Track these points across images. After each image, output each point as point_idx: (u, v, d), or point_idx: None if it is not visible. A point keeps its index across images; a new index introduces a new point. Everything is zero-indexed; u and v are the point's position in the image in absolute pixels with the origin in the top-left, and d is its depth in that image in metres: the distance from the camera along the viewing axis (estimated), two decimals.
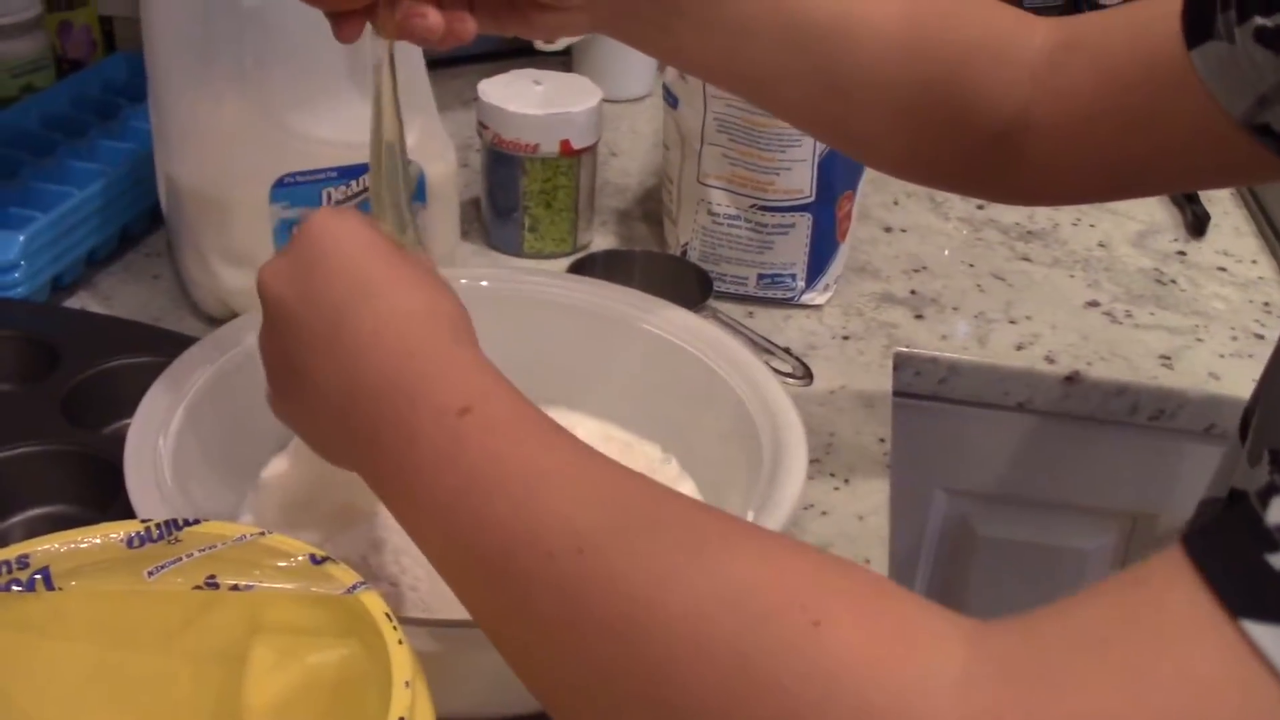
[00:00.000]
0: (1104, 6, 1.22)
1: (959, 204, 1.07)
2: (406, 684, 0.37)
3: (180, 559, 0.40)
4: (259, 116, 0.75)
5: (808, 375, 0.82)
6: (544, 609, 0.38)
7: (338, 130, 0.77)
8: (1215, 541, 0.32)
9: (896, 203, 1.07)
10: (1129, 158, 0.58)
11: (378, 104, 0.56)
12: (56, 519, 0.64)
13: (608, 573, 0.37)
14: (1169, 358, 0.89)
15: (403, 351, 0.45)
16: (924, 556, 0.98)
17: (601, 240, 0.96)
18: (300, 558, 0.41)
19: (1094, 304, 0.95)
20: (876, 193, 1.06)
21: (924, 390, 0.88)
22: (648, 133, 1.15)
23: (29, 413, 0.67)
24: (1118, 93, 0.57)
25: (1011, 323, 0.92)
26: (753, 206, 0.86)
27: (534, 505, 0.40)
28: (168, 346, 0.67)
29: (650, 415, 0.68)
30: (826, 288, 0.90)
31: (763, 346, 0.84)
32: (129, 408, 0.57)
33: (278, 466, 0.64)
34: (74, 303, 0.83)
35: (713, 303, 0.83)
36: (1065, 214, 1.07)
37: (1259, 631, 0.29)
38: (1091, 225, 1.06)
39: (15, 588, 0.39)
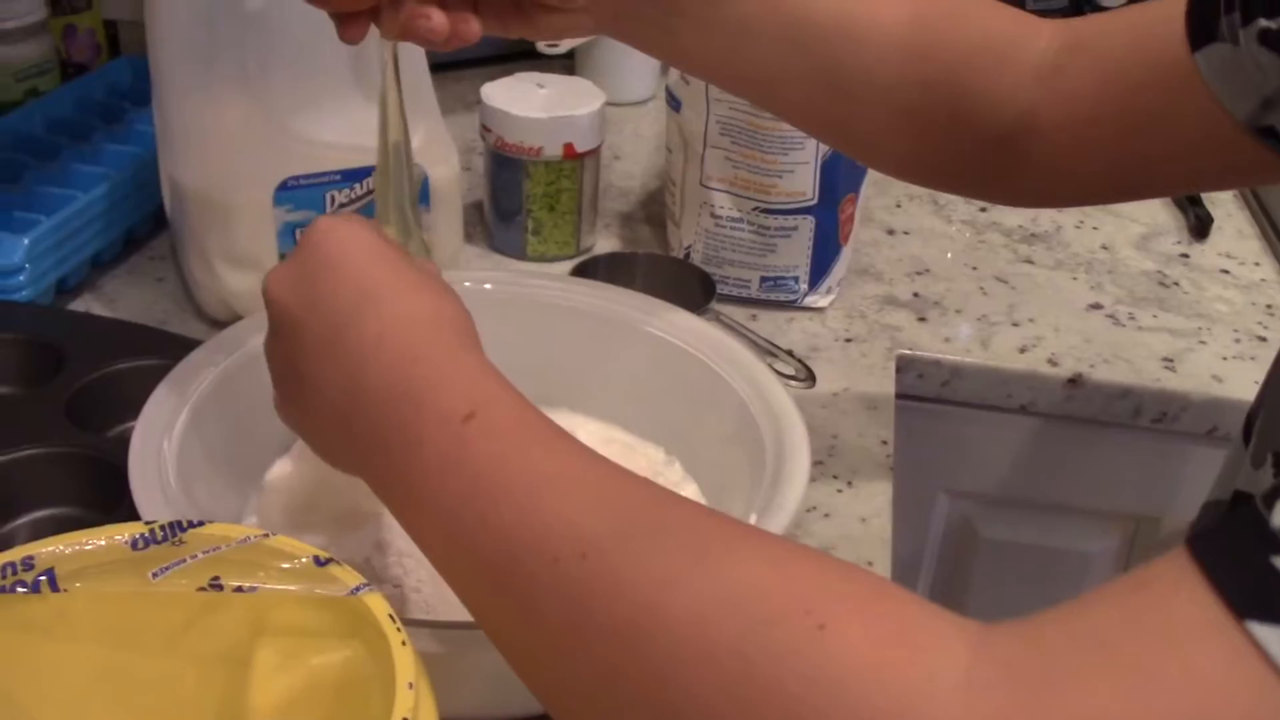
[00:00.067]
0: (1106, 8, 1.22)
1: (962, 206, 1.07)
2: (410, 685, 0.37)
3: (184, 561, 0.40)
4: (262, 120, 0.75)
5: (810, 378, 0.82)
6: (548, 613, 0.38)
7: (341, 133, 0.77)
8: (1221, 544, 0.32)
9: (899, 205, 1.07)
10: (1132, 160, 0.58)
11: (383, 106, 0.56)
12: (61, 521, 0.64)
13: (612, 577, 0.37)
14: (1172, 360, 0.89)
15: (407, 357, 0.45)
16: (927, 559, 0.98)
17: (605, 243, 0.96)
18: (304, 559, 0.41)
19: (1097, 306, 0.95)
20: (879, 195, 1.06)
21: (927, 393, 0.88)
22: (650, 136, 1.15)
23: (34, 415, 0.67)
24: (1121, 95, 0.57)
25: (1014, 325, 0.92)
26: (755, 209, 0.86)
27: (538, 510, 0.40)
28: (172, 349, 0.67)
29: (653, 418, 0.68)
30: (829, 290, 0.90)
31: (765, 349, 0.84)
32: (133, 410, 0.57)
33: (282, 469, 0.64)
34: (78, 305, 0.83)
35: (715, 305, 0.83)
36: (1068, 216, 1.07)
37: (1265, 633, 0.29)
38: (1094, 228, 1.06)
39: (20, 589, 0.39)
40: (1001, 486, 0.93)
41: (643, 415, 0.68)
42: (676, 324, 0.67)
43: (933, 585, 0.99)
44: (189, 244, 0.79)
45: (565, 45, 1.14)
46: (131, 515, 0.51)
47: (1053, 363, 0.88)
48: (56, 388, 0.69)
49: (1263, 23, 0.49)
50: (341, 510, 0.60)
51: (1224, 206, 1.10)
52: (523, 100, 0.89)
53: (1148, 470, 0.91)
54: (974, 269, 0.99)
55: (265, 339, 0.51)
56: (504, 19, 0.57)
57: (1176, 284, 0.99)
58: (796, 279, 0.88)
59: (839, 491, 0.73)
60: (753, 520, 0.54)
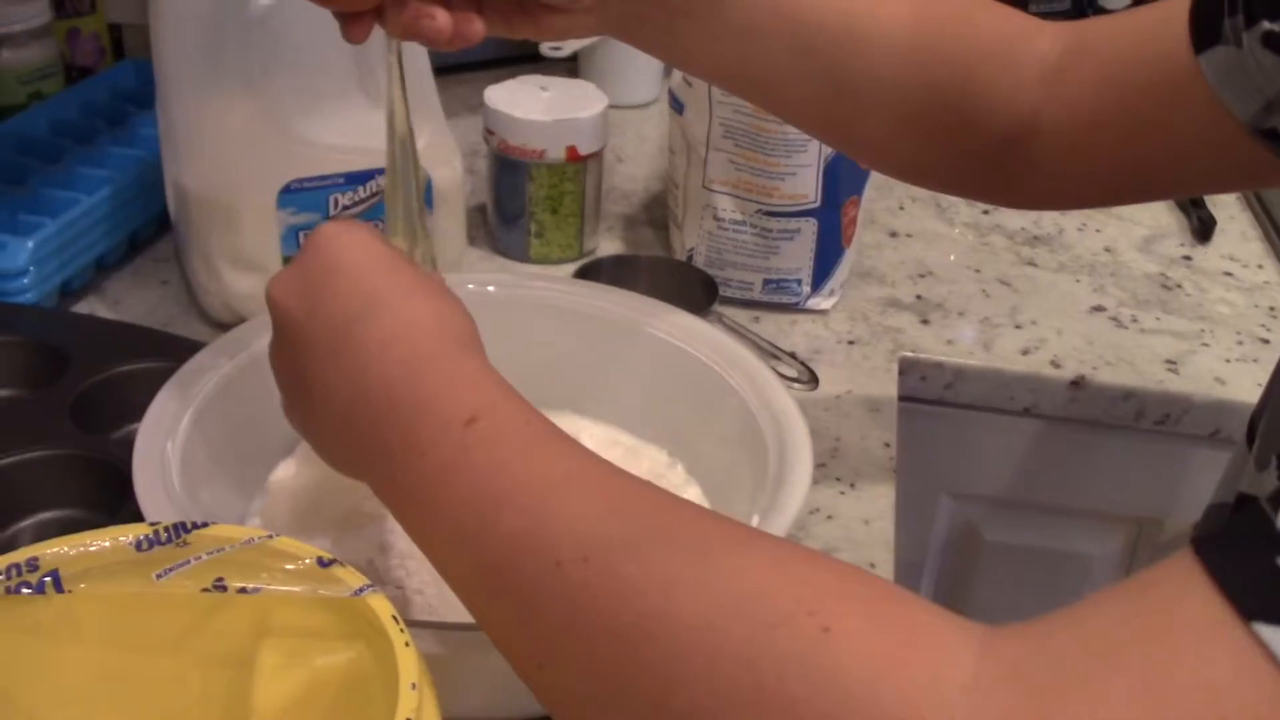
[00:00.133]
0: (1109, 11, 1.22)
1: (964, 209, 1.07)
2: (413, 686, 0.37)
3: (188, 562, 0.41)
4: (266, 123, 0.75)
5: (813, 380, 0.82)
6: (551, 617, 0.38)
7: (345, 136, 0.77)
8: (1227, 546, 0.32)
9: (902, 208, 1.07)
10: (1136, 162, 0.58)
11: (390, 106, 0.57)
12: (65, 523, 0.64)
13: (615, 581, 0.37)
14: (1175, 362, 0.89)
15: (410, 362, 0.45)
16: (929, 561, 0.98)
17: (608, 246, 0.96)
18: (308, 560, 0.41)
19: (1100, 309, 0.95)
20: (882, 198, 1.06)
21: (929, 395, 0.88)
22: (654, 138, 1.15)
23: (38, 417, 0.67)
24: (1124, 97, 0.57)
25: (1017, 328, 0.92)
26: (758, 212, 0.86)
27: (541, 514, 0.40)
28: (176, 351, 0.67)
29: (656, 420, 0.68)
30: (832, 293, 0.90)
31: (768, 351, 0.84)
32: (137, 412, 0.57)
33: (285, 470, 0.64)
34: (83, 308, 0.83)
35: (718, 308, 0.83)
36: (1071, 219, 1.07)
37: (1272, 635, 0.29)
38: (1097, 230, 1.06)
39: (25, 590, 0.39)
40: (1004, 489, 0.93)
41: (645, 418, 0.68)
42: (679, 326, 0.67)
43: (935, 587, 0.99)
44: (193, 247, 0.80)
45: (569, 48, 1.14)
46: (136, 517, 0.51)
47: (1055, 365, 0.88)
48: (61, 390, 0.69)
49: (1266, 25, 0.49)
50: (345, 512, 0.60)
51: (1227, 209, 1.10)
52: (526, 103, 0.89)
53: (1150, 472, 0.91)
54: (977, 271, 0.99)
55: (269, 344, 0.52)
56: (508, 19, 0.57)
57: (1179, 286, 0.99)
58: (799, 281, 0.88)
59: (841, 494, 0.73)
60: (755, 522, 0.54)
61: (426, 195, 0.81)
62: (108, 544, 0.41)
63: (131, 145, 0.90)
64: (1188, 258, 1.04)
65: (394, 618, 0.40)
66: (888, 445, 0.77)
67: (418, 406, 0.44)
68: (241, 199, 0.77)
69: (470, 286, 0.70)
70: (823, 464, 0.74)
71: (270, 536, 0.42)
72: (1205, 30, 0.53)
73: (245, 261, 0.78)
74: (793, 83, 0.59)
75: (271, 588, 0.41)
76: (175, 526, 0.42)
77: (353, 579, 0.41)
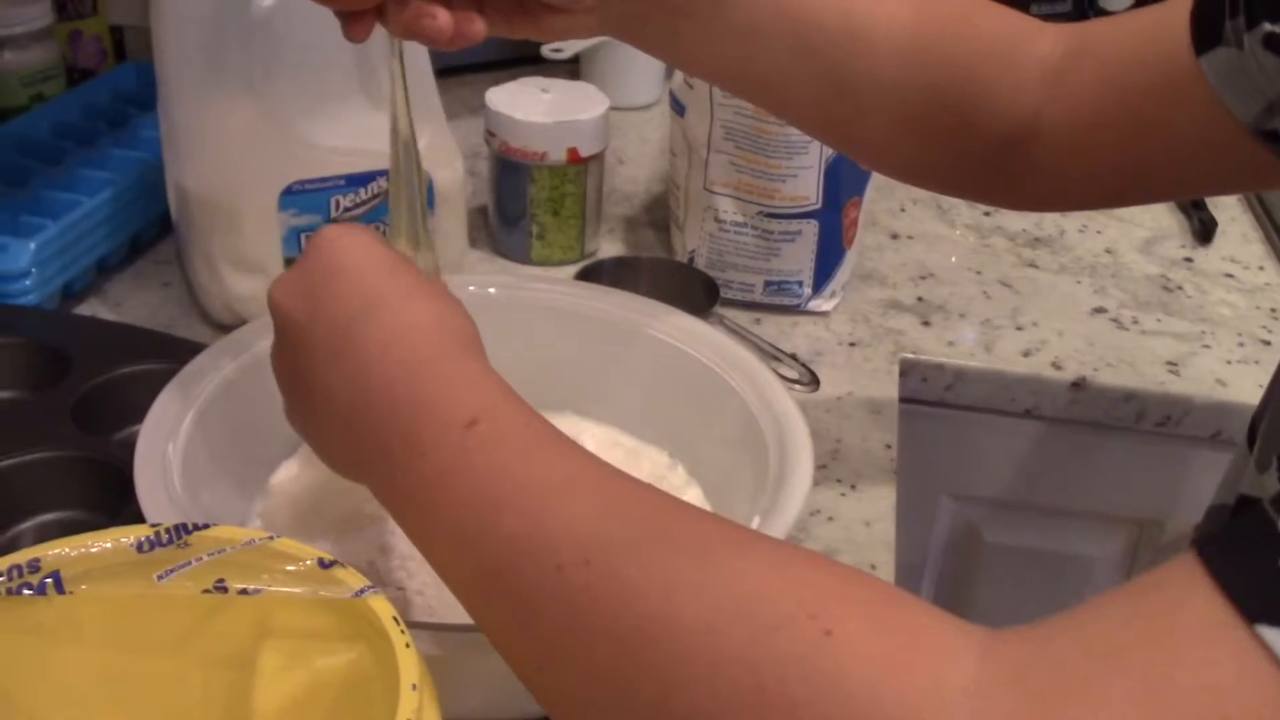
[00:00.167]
0: (1110, 12, 1.22)
1: (966, 211, 1.07)
2: (414, 687, 0.37)
3: (189, 563, 0.41)
4: (268, 124, 0.75)
5: (814, 382, 0.82)
6: (551, 620, 0.38)
7: (346, 138, 0.77)
8: (1230, 548, 0.32)
9: (903, 210, 1.07)
10: (1137, 164, 0.58)
11: (393, 110, 0.57)
12: (67, 524, 0.64)
13: (616, 584, 0.37)
14: (1176, 364, 0.89)
15: (410, 364, 0.45)
16: (930, 563, 0.98)
17: (609, 247, 0.96)
18: (308, 562, 0.41)
19: (1101, 310, 0.95)
20: (883, 200, 1.06)
21: (930, 397, 0.88)
22: (655, 140, 1.15)
23: (40, 419, 0.67)
24: (1125, 99, 0.57)
25: (1018, 329, 0.92)
26: (759, 214, 0.86)
27: (542, 517, 0.40)
28: (177, 353, 0.67)
29: (657, 421, 0.68)
30: (833, 294, 0.90)
31: (769, 353, 0.84)
32: (139, 414, 0.58)
33: (287, 472, 0.64)
34: (84, 310, 0.83)
35: (720, 309, 0.83)
36: (1072, 221, 1.07)
37: (1276, 637, 0.29)
38: (1098, 232, 1.06)
39: (26, 591, 0.39)
40: (1005, 490, 0.93)
41: (647, 419, 0.68)
42: (680, 328, 0.68)
43: (936, 589, 0.99)
44: (194, 248, 0.80)
45: (570, 50, 1.14)
46: (137, 518, 0.51)
47: (1056, 366, 0.88)
48: (62, 392, 0.69)
49: (1267, 27, 0.49)
50: (346, 513, 0.61)
51: (1228, 210, 1.10)
52: (527, 105, 0.89)
53: (1151, 474, 0.91)
54: (978, 273, 0.99)
55: (271, 347, 0.52)
56: (509, 19, 0.57)
57: (1180, 288, 0.99)
58: (800, 283, 0.88)
59: (842, 495, 0.73)
60: (756, 523, 0.54)
61: (428, 197, 0.81)
62: (109, 545, 0.41)
63: (133, 147, 0.90)
64: (1189, 259, 1.04)
65: (395, 619, 0.40)
66: (889, 447, 0.77)
67: (418, 408, 0.44)
68: (243, 201, 0.77)
69: (471, 288, 0.70)
70: (823, 465, 0.74)
71: (271, 538, 0.42)
72: (1206, 32, 0.53)
73: (247, 263, 0.78)
74: (793, 83, 0.59)
75: (272, 589, 0.41)
76: (176, 528, 0.42)
77: (353, 580, 0.41)
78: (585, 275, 0.83)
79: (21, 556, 0.40)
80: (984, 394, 0.88)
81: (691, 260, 0.89)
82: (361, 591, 0.41)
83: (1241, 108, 0.53)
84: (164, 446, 0.55)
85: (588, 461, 0.42)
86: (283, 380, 0.51)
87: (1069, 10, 1.25)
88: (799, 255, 0.87)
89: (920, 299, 0.94)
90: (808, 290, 0.89)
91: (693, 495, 0.65)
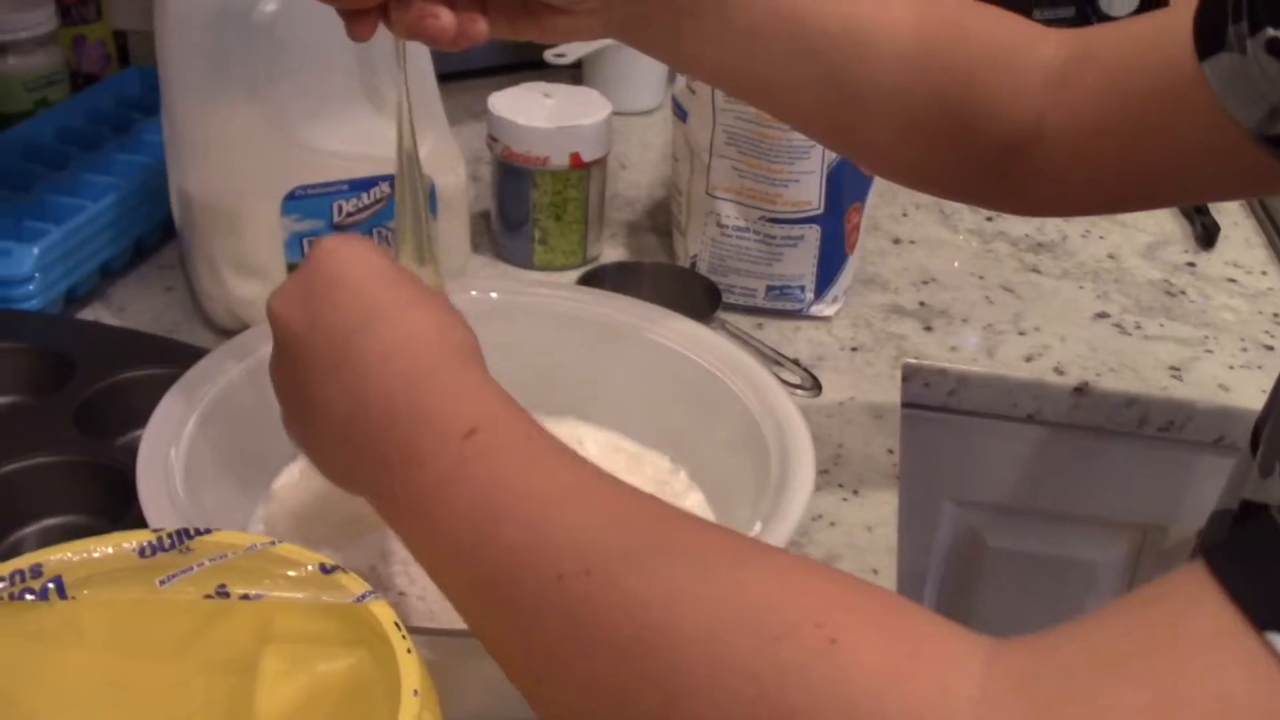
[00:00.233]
0: (1113, 18, 1.22)
1: (968, 216, 1.07)
2: (415, 692, 0.37)
3: (191, 568, 0.41)
4: (271, 129, 0.75)
5: (816, 387, 0.82)
6: (552, 631, 0.38)
7: (349, 143, 0.77)
8: (1238, 555, 0.31)
9: (905, 215, 1.07)
10: (1140, 169, 0.58)
11: (399, 123, 0.57)
12: (69, 529, 0.64)
13: (617, 594, 0.37)
14: (1178, 369, 0.89)
15: (410, 374, 0.45)
16: (933, 568, 0.98)
17: (611, 252, 0.96)
18: (310, 567, 0.41)
19: (1103, 315, 0.95)
20: (885, 205, 1.06)
21: (933, 402, 0.88)
22: (657, 145, 1.15)
23: (43, 424, 0.68)
24: (1128, 104, 0.57)
25: (1020, 334, 0.92)
26: (761, 219, 0.86)
27: (542, 527, 0.39)
28: (180, 358, 0.67)
29: (659, 426, 0.68)
30: (835, 299, 0.90)
31: (771, 358, 0.84)
32: (142, 419, 0.58)
33: (289, 477, 0.64)
34: (87, 315, 0.84)
35: (722, 314, 0.83)
36: (1074, 226, 1.07)
37: None
38: (1101, 237, 1.06)
39: (28, 596, 0.39)
40: (1008, 495, 0.93)
41: (649, 424, 0.68)
42: (682, 333, 0.68)
43: (939, 594, 0.99)
44: (197, 253, 0.80)
45: (572, 55, 1.14)
46: (139, 523, 0.51)
47: (1059, 372, 0.88)
48: (65, 396, 0.69)
49: (1270, 32, 0.49)
50: (347, 518, 0.61)
51: (1231, 215, 1.10)
52: (530, 110, 0.89)
53: (1154, 479, 0.91)
54: (980, 278, 0.99)
55: (270, 359, 0.51)
56: (512, 20, 0.57)
57: (1183, 293, 0.99)
58: (802, 288, 0.88)
59: (845, 500, 0.73)
60: (757, 528, 0.54)
61: (430, 202, 0.81)
62: (111, 550, 0.41)
63: (137, 152, 0.90)
64: (1191, 264, 1.03)
65: (396, 624, 0.40)
66: (891, 452, 0.77)
67: (417, 419, 0.44)
68: (246, 205, 0.77)
69: (474, 293, 0.70)
70: (825, 470, 0.74)
71: (273, 543, 0.42)
72: (1209, 37, 0.53)
73: (249, 268, 0.78)
74: (795, 87, 0.59)
75: (274, 594, 0.41)
76: (178, 533, 0.42)
77: (355, 585, 0.41)
78: (587, 280, 0.83)
79: (24, 561, 0.40)
80: (986, 399, 0.88)
81: (693, 265, 0.89)
82: (363, 597, 0.41)
83: (1244, 113, 0.53)
84: (166, 451, 0.55)
85: (588, 472, 0.42)
86: (281, 391, 0.51)
87: (1071, 16, 1.25)
88: (801, 260, 0.87)
89: (922, 304, 0.94)
90: (810, 295, 0.89)
91: (694, 500, 0.65)
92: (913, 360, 0.87)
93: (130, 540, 0.41)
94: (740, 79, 0.60)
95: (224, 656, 0.42)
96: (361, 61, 0.77)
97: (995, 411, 0.88)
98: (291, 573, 0.41)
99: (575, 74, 1.18)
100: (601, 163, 0.91)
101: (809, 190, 0.85)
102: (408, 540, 0.44)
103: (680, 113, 0.89)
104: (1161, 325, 0.94)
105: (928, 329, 0.91)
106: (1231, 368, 0.90)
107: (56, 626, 0.40)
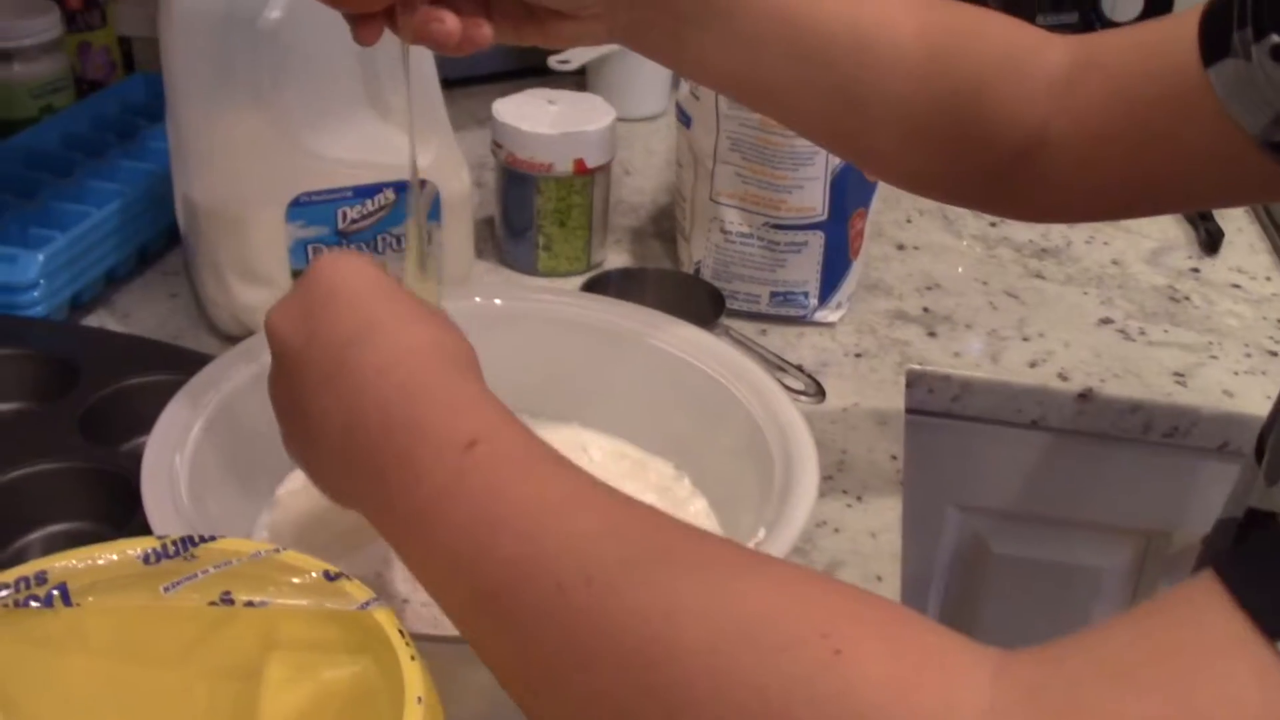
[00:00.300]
0: (1117, 24, 1.22)
1: (972, 221, 1.07)
2: (419, 699, 0.37)
3: (196, 575, 0.41)
4: (275, 136, 0.75)
5: (820, 393, 0.82)
6: (551, 643, 0.38)
7: (353, 150, 0.77)
8: (1248, 564, 0.31)
9: (909, 220, 1.07)
10: (1144, 176, 0.58)
11: (411, 144, 0.57)
12: (74, 535, 0.64)
13: (619, 605, 0.36)
14: (1183, 375, 0.89)
15: (407, 387, 0.45)
16: (937, 574, 0.98)
17: (615, 258, 0.96)
18: (314, 574, 0.41)
19: (1107, 321, 0.95)
20: (889, 210, 1.06)
21: (937, 408, 0.88)
22: (661, 151, 1.15)
23: (48, 430, 0.68)
24: (1133, 110, 0.57)
25: (1025, 340, 0.92)
26: (765, 225, 0.86)
27: (541, 538, 0.39)
28: (185, 364, 0.67)
29: (663, 433, 0.68)
30: (839, 305, 0.90)
31: (775, 364, 0.84)
32: (146, 425, 0.58)
33: (293, 484, 0.64)
34: (92, 321, 0.84)
35: (725, 320, 0.83)
36: (1078, 231, 1.07)
37: None
38: (1105, 243, 1.06)
39: (33, 603, 0.39)
40: (1012, 501, 0.93)
41: (652, 430, 0.68)
42: (686, 339, 0.68)
43: (943, 601, 0.99)
44: (202, 259, 0.80)
45: (576, 61, 1.14)
46: (144, 529, 0.51)
47: (1063, 377, 0.88)
48: (70, 403, 0.69)
49: (1275, 38, 0.49)
50: (352, 525, 0.60)
51: (1235, 221, 1.10)
52: (534, 116, 0.89)
53: (1159, 485, 0.91)
54: (984, 284, 0.99)
55: (269, 374, 0.51)
56: (517, 25, 0.57)
57: (1187, 298, 0.99)
58: (806, 294, 0.88)
59: (849, 506, 0.73)
60: (761, 534, 0.54)
61: (434, 208, 0.81)
62: (116, 557, 0.41)
63: (141, 158, 0.90)
64: (1195, 270, 1.03)
65: (400, 631, 0.40)
66: (895, 458, 0.77)
67: (414, 431, 0.43)
68: (250, 212, 0.77)
69: (477, 299, 0.70)
70: (830, 476, 0.74)
71: (277, 550, 0.42)
72: (1214, 43, 0.53)
73: (254, 274, 0.78)
74: (800, 93, 0.59)
75: (278, 601, 0.41)
76: (183, 540, 0.42)
77: (359, 593, 0.41)
78: (591, 286, 0.83)
79: (29, 569, 0.40)
80: (990, 405, 0.88)
81: (697, 271, 0.89)
82: (367, 604, 0.41)
83: (1249, 119, 0.53)
84: (171, 458, 0.55)
85: (587, 483, 0.42)
86: (279, 406, 0.51)
87: (1075, 22, 1.25)
88: (805, 266, 0.87)
89: (926, 310, 0.94)
90: (814, 301, 0.89)
91: (698, 507, 0.65)
92: (917, 366, 0.87)
93: (135, 547, 0.41)
94: (745, 84, 0.60)
95: (228, 663, 0.42)
96: (366, 68, 0.77)
97: (999, 417, 0.88)
98: (296, 580, 0.41)
99: (579, 80, 1.18)
100: (605, 169, 0.91)
101: (813, 196, 0.85)
102: (404, 553, 0.44)
103: (684, 119, 0.89)
104: (1166, 331, 0.94)
105: (932, 335, 0.91)
106: (1236, 374, 0.90)
107: (61, 633, 0.40)
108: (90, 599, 0.40)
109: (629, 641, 0.36)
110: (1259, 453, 0.54)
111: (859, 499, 0.73)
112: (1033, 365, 0.89)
